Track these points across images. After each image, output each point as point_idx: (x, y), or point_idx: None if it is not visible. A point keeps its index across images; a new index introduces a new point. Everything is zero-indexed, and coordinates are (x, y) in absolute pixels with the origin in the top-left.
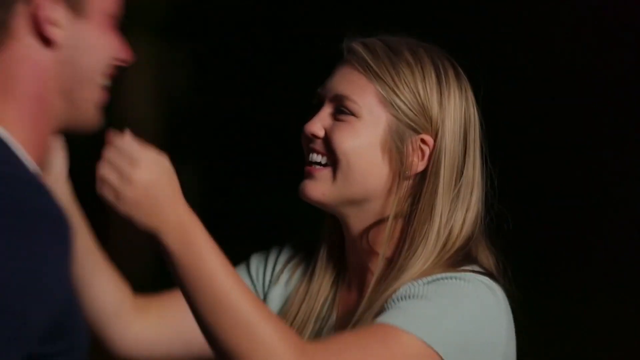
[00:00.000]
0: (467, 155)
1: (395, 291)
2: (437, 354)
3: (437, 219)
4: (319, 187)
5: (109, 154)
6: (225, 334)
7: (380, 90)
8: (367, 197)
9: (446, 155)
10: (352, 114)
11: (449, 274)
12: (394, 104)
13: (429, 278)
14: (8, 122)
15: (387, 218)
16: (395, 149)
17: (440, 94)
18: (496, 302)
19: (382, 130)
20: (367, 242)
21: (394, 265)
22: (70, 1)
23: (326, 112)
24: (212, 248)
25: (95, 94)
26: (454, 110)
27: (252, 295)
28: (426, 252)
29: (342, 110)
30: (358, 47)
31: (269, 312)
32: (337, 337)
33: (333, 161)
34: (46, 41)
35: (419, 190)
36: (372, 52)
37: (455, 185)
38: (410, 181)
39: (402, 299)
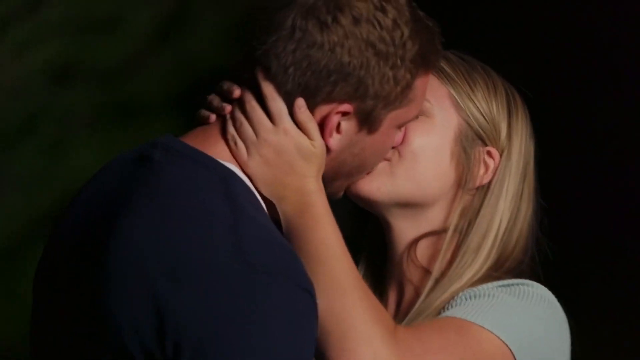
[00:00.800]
0: (527, 176)
1: (442, 302)
2: (510, 350)
3: (492, 235)
4: (374, 181)
5: (250, 108)
6: (328, 299)
7: (454, 94)
8: (425, 203)
9: (512, 173)
10: (424, 113)
11: (510, 281)
12: (467, 108)
13: (490, 284)
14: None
15: (441, 231)
16: (464, 155)
17: (509, 112)
18: (561, 308)
19: (453, 133)
20: (415, 255)
21: (439, 281)
22: (364, 118)
23: None
24: (328, 224)
25: (358, 178)
26: (522, 130)
27: (355, 272)
28: (474, 268)
29: None
30: None
31: (366, 290)
32: (416, 325)
33: (396, 157)
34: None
35: (478, 204)
36: (445, 58)
37: (516, 203)
38: (470, 193)
39: (468, 298)
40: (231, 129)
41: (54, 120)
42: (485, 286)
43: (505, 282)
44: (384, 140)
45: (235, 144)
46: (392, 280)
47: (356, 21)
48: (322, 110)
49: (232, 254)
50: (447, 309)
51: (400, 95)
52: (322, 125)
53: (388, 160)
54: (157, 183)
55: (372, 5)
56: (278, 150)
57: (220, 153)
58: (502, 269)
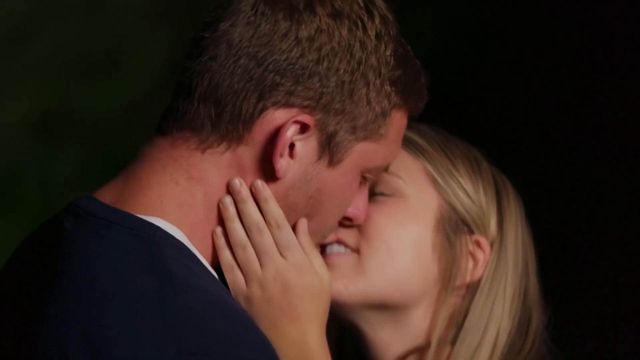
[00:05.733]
0: (529, 275)
1: None
2: None
3: (487, 347)
4: (341, 279)
5: (269, 228)
6: None
7: (431, 169)
8: (405, 305)
9: (509, 269)
10: (397, 193)
11: None
12: (448, 187)
13: None
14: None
15: (427, 344)
16: (447, 244)
17: (498, 194)
18: None
19: (434, 217)
20: None
21: None
22: (325, 141)
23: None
24: None
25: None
26: (515, 217)
27: None
28: None
29: (382, 190)
30: None
31: None
32: None
33: (365, 248)
34: (271, 170)
35: (466, 306)
36: (417, 129)
37: (517, 308)
38: (457, 294)
39: None
40: (221, 242)
41: (34, 183)
42: None
43: None
44: (345, 184)
45: (232, 269)
46: None
47: (336, 14)
48: (276, 117)
49: (162, 343)
50: None
51: (372, 122)
52: (272, 139)
53: (353, 249)
54: (69, 261)
55: (358, 4)
56: (285, 288)
57: (141, 204)
58: None
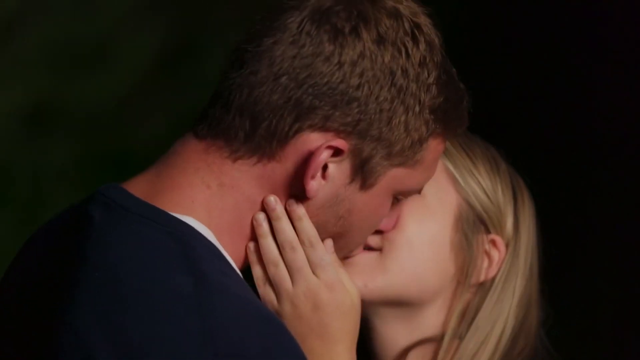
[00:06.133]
0: (533, 278)
1: None
2: None
3: (493, 342)
4: (360, 276)
5: (302, 245)
6: None
7: (452, 168)
8: (421, 301)
9: (520, 271)
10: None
11: None
12: (467, 186)
13: None
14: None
15: (437, 337)
16: (465, 242)
17: (515, 196)
18: None
19: (453, 216)
20: None
21: None
22: (359, 166)
23: None
24: None
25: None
26: (529, 221)
27: None
28: None
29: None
30: None
31: None
32: None
33: (387, 245)
34: (302, 189)
35: (479, 304)
36: None
37: (522, 308)
38: (471, 291)
39: None
40: (254, 258)
41: (26, 176)
42: None
43: None
44: (376, 206)
45: (264, 284)
46: None
47: (380, 40)
48: (311, 139)
49: (201, 345)
50: None
51: (408, 149)
52: (305, 160)
53: (375, 249)
54: (99, 255)
55: (404, 30)
56: (316, 306)
57: (173, 203)
58: None
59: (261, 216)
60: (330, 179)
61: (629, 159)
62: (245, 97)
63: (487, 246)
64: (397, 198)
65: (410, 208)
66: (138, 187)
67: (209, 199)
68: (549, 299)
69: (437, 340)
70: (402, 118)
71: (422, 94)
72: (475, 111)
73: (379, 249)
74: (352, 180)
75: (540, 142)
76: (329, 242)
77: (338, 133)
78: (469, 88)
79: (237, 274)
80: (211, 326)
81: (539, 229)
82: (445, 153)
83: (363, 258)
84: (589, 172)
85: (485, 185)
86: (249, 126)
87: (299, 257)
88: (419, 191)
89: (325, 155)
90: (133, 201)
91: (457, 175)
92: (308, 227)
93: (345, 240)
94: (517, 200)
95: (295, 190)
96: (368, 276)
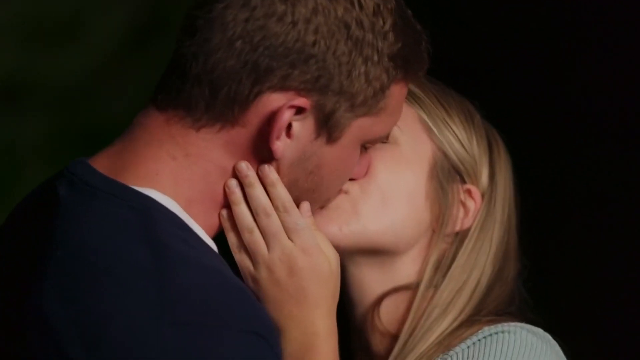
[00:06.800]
0: (510, 229)
1: None
2: None
3: (467, 292)
4: (334, 220)
5: (275, 211)
6: None
7: (426, 117)
8: (396, 250)
9: (496, 221)
10: (391, 139)
11: (486, 331)
12: (442, 135)
13: (462, 345)
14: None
15: (411, 285)
16: (441, 192)
17: (490, 147)
18: (547, 347)
19: (427, 164)
20: (379, 318)
21: (406, 345)
22: (323, 121)
23: None
24: None
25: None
26: (505, 172)
27: None
28: (441, 327)
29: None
30: None
31: None
32: None
33: (356, 190)
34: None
35: (454, 254)
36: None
37: (498, 259)
38: (446, 241)
39: None
40: (228, 225)
41: None
42: (456, 350)
43: (480, 334)
44: (345, 158)
45: (240, 251)
46: (360, 354)
47: None
48: (272, 100)
49: (157, 315)
50: None
51: (371, 98)
52: (268, 122)
53: (344, 192)
54: (63, 234)
55: None
56: (292, 271)
57: (137, 176)
58: (478, 315)
59: (233, 183)
60: (296, 137)
61: (604, 112)
62: (201, 66)
63: (462, 196)
64: (365, 147)
65: (383, 156)
66: (103, 163)
67: (174, 170)
68: (526, 251)
69: (412, 289)
70: (362, 69)
71: (379, 43)
72: (456, 69)
73: (345, 192)
74: (317, 135)
75: (516, 99)
76: (305, 205)
77: (299, 91)
78: (458, 47)
79: (206, 244)
80: (169, 296)
81: (515, 182)
82: (420, 103)
83: (337, 200)
84: (567, 129)
85: (460, 135)
86: (208, 94)
87: (273, 222)
88: (386, 137)
89: (287, 114)
90: (97, 177)
91: (431, 125)
92: (282, 192)
93: (319, 193)
94: (493, 151)
95: (263, 152)
96: (342, 220)
